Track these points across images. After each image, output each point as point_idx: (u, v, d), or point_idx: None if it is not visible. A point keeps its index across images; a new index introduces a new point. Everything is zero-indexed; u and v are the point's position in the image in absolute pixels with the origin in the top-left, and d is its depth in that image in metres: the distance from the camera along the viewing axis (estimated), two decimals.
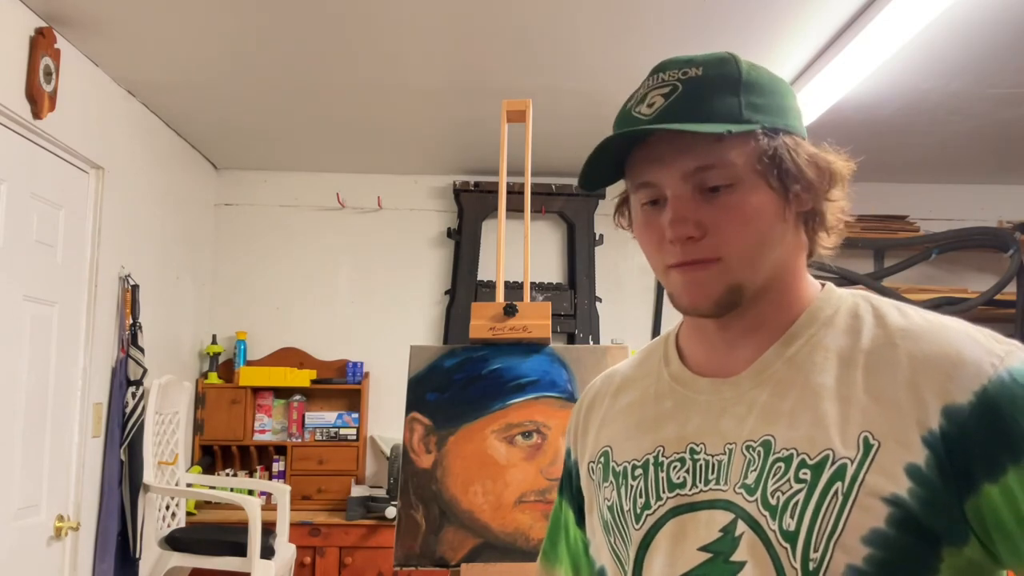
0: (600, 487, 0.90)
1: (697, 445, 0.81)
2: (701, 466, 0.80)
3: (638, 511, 0.83)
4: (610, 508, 0.87)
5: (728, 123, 0.77)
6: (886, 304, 0.81)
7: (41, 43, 2.60)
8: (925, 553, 0.69)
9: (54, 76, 2.67)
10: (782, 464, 0.75)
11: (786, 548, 0.72)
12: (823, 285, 0.85)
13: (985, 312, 3.79)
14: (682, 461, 0.82)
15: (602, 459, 0.91)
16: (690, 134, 0.76)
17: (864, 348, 0.77)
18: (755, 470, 0.76)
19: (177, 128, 3.78)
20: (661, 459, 0.83)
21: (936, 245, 4.03)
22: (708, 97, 0.78)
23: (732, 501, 0.77)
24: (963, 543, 0.69)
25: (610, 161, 0.83)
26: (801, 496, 0.73)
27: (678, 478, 0.81)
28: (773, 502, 0.74)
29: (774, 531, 0.73)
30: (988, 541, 0.69)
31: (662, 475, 0.83)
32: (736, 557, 0.75)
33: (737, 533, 0.75)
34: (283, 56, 2.94)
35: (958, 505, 0.69)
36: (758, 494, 0.75)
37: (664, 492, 0.82)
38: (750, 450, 0.77)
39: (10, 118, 2.51)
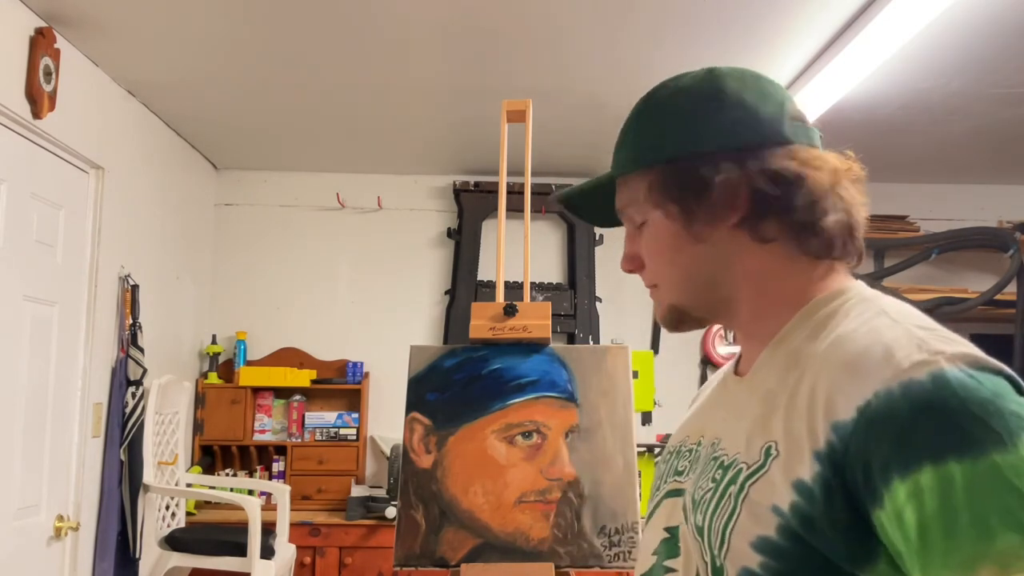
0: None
1: (703, 437, 0.86)
2: (695, 456, 0.85)
3: (653, 492, 0.91)
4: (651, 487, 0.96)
5: (625, 166, 0.86)
6: (860, 308, 0.76)
7: (41, 43, 2.60)
8: (831, 571, 0.66)
9: (54, 76, 2.67)
10: (712, 463, 0.79)
11: (698, 542, 0.76)
12: (840, 284, 0.82)
13: (985, 312, 3.79)
14: (690, 451, 0.87)
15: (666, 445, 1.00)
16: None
17: (809, 353, 0.75)
18: (699, 465, 0.82)
19: (177, 128, 3.78)
20: (683, 448, 0.89)
21: (936, 245, 4.03)
22: (620, 144, 0.88)
23: (686, 491, 0.83)
24: (863, 566, 0.66)
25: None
26: (709, 495, 0.76)
27: (682, 466, 0.87)
28: (696, 497, 0.78)
29: (691, 525, 0.78)
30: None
31: (675, 462, 0.89)
32: (681, 543, 0.81)
33: (683, 521, 0.81)
34: (283, 56, 2.94)
35: (856, 523, 0.65)
36: (693, 488, 0.80)
37: (670, 477, 0.88)
38: (713, 446, 0.82)
39: (10, 118, 2.51)
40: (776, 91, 0.84)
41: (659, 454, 1.00)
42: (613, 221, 0.94)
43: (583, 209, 0.97)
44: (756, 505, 0.70)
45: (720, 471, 0.76)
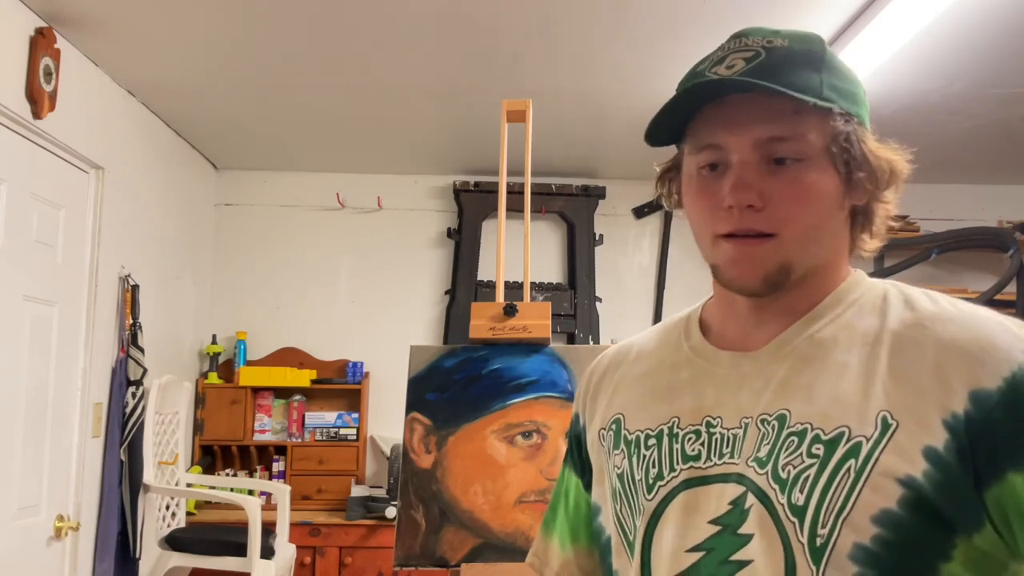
0: (610, 454, 0.89)
1: (714, 419, 0.81)
2: (716, 440, 0.79)
3: (650, 481, 0.82)
4: (619, 476, 0.86)
5: (817, 96, 0.76)
6: (916, 291, 0.80)
7: (41, 43, 2.60)
8: (938, 538, 0.69)
9: (54, 76, 2.67)
10: (795, 438, 0.74)
11: (794, 522, 0.72)
12: (856, 270, 0.85)
13: None
14: (697, 433, 0.81)
15: (613, 426, 0.90)
16: (767, 103, 0.76)
17: (891, 329, 0.76)
18: (768, 443, 0.75)
19: (177, 128, 3.78)
20: (676, 430, 0.83)
21: (936, 245, 4.02)
22: (791, 68, 0.77)
23: (743, 474, 0.76)
24: (976, 531, 0.68)
25: (675, 118, 0.81)
26: (812, 471, 0.72)
27: (692, 450, 0.81)
28: (783, 475, 0.73)
29: (782, 504, 0.73)
30: (1007, 530, 0.68)
31: (676, 446, 0.82)
32: (744, 530, 0.74)
33: (746, 506, 0.75)
34: (283, 56, 2.94)
35: (974, 491, 0.68)
36: (769, 467, 0.74)
37: (678, 464, 0.81)
38: (765, 423, 0.77)
39: (10, 118, 2.51)
40: None
41: (617, 441, 0.87)
42: (661, 138, 0.84)
43: (671, 120, 0.81)
44: (883, 476, 0.69)
45: (821, 446, 0.72)
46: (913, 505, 0.68)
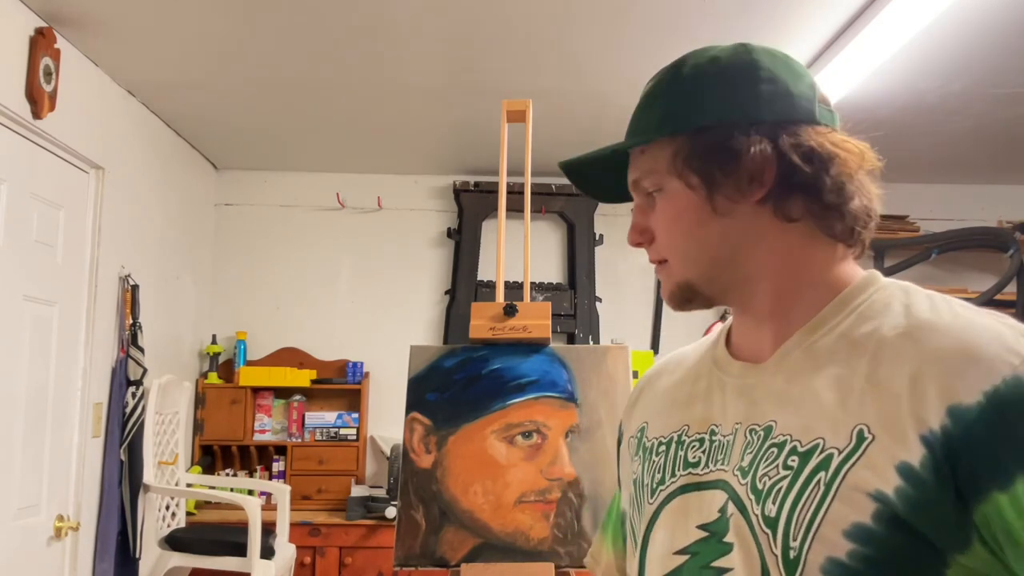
0: (631, 461, 0.93)
1: (716, 426, 0.82)
2: (715, 447, 0.81)
3: (654, 486, 0.85)
4: (634, 482, 0.90)
5: (648, 133, 0.82)
6: (921, 296, 0.77)
7: (41, 43, 2.60)
8: (925, 556, 0.66)
9: (54, 76, 2.67)
10: (775, 449, 0.74)
11: (767, 534, 0.72)
12: (867, 273, 0.82)
13: None
14: (700, 441, 0.83)
15: (638, 434, 0.93)
16: (633, 151, 0.85)
17: (879, 337, 0.73)
18: (751, 452, 0.76)
19: (177, 128, 3.78)
20: (684, 438, 0.85)
21: (936, 245, 4.02)
22: (643, 110, 0.84)
23: (728, 482, 0.77)
24: (960, 551, 0.66)
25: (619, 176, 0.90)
26: (785, 483, 0.72)
27: (694, 457, 0.82)
28: (760, 486, 0.74)
29: (757, 516, 0.73)
30: (998, 550, 0.65)
31: (681, 453, 0.84)
32: (727, 538, 0.75)
33: (728, 514, 0.76)
34: (283, 56, 2.94)
35: (959, 509, 0.65)
36: (749, 477, 0.75)
37: (679, 470, 0.83)
38: (752, 433, 0.77)
39: (10, 118, 2.51)
40: (805, 72, 0.83)
41: (637, 448, 0.91)
42: (619, 195, 0.90)
43: (588, 180, 0.92)
44: (853, 491, 0.67)
45: (796, 457, 0.72)
46: (888, 521, 0.66)
